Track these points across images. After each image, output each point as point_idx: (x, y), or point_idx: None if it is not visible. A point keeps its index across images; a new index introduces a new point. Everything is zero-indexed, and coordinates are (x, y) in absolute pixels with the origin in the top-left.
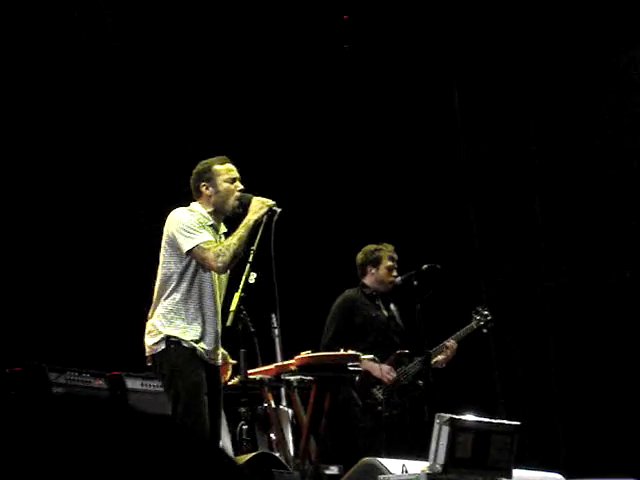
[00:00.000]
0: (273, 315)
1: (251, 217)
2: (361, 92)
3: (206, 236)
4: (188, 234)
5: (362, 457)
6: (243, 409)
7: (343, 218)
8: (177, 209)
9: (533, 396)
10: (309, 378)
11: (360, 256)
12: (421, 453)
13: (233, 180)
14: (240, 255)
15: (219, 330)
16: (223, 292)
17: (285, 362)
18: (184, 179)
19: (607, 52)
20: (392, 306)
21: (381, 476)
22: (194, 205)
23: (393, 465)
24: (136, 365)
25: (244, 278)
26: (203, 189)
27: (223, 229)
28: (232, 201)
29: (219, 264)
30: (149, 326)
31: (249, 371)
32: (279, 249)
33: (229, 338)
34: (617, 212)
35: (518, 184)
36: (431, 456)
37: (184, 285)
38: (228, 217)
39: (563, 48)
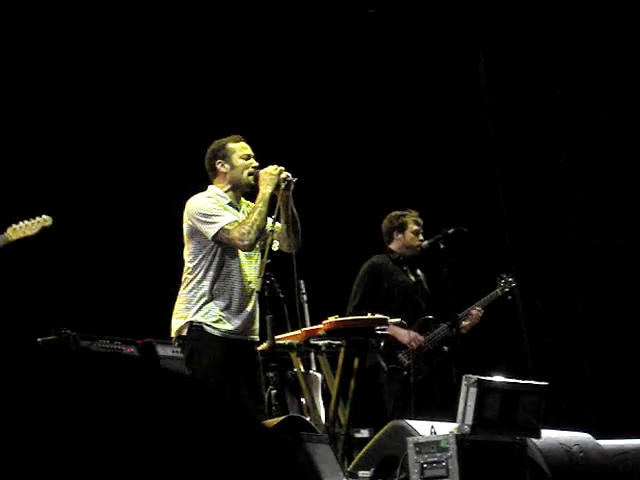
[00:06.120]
0: (301, 281)
1: (265, 190)
2: (385, 57)
3: (228, 217)
4: (209, 220)
5: (391, 420)
6: (272, 374)
7: (368, 184)
8: (194, 196)
9: (562, 356)
10: (337, 342)
11: (385, 222)
12: (450, 416)
13: (248, 157)
14: (263, 229)
15: (252, 307)
16: (257, 266)
17: (313, 327)
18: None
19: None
20: (419, 271)
21: (410, 438)
22: (210, 188)
23: (422, 427)
24: (166, 332)
25: (267, 246)
26: (219, 166)
27: (245, 205)
28: (246, 176)
29: (245, 242)
30: (175, 309)
31: (277, 336)
32: (306, 216)
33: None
34: None
35: (544, 144)
36: (459, 417)
37: (208, 271)
38: (248, 192)
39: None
